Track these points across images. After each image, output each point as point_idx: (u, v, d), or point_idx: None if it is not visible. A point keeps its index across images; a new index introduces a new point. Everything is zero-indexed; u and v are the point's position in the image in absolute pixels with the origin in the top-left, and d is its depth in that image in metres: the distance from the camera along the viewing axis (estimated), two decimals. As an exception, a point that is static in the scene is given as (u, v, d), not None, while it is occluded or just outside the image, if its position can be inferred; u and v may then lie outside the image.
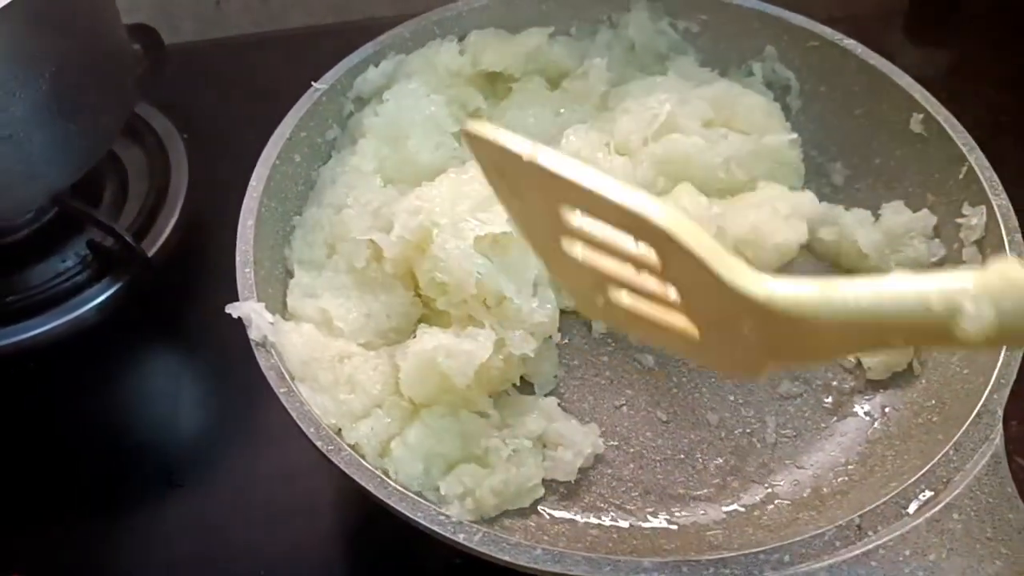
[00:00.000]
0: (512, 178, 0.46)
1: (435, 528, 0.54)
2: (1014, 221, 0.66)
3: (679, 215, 0.41)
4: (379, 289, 0.68)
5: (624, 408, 0.69)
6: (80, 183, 0.83)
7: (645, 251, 0.43)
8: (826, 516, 0.59)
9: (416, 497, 0.56)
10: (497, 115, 0.80)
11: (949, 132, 0.71)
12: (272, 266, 0.69)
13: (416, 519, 0.54)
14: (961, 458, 0.55)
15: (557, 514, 0.63)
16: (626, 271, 0.46)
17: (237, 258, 0.65)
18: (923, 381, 0.66)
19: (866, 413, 0.68)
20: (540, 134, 0.78)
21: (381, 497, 0.55)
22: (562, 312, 0.69)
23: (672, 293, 0.45)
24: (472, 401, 0.63)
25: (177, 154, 0.94)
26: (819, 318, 0.39)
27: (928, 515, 0.53)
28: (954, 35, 1.12)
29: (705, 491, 0.65)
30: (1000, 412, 0.57)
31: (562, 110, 0.80)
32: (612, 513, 0.64)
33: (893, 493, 0.54)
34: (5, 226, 0.85)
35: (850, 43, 0.78)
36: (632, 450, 0.67)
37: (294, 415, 0.58)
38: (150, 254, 0.84)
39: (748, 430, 0.68)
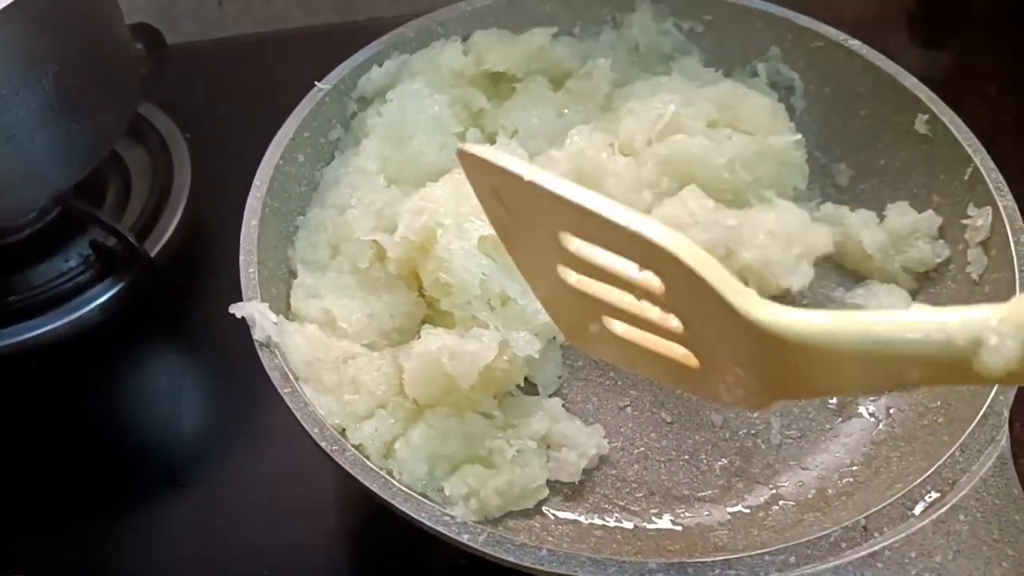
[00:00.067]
0: (510, 201, 0.44)
1: (440, 529, 0.54)
2: (1020, 222, 0.65)
3: (687, 240, 0.39)
4: (383, 290, 0.68)
5: (628, 409, 0.69)
6: (83, 183, 0.82)
7: (647, 278, 0.42)
8: (831, 517, 0.59)
9: (420, 498, 0.56)
10: (501, 115, 0.80)
11: (954, 133, 0.70)
12: (275, 266, 0.69)
13: (420, 520, 0.54)
14: (967, 460, 0.55)
15: (561, 515, 0.63)
16: (624, 299, 0.45)
17: (241, 258, 0.65)
18: (928, 382, 0.66)
19: (871, 414, 0.67)
20: (543, 134, 0.78)
21: (385, 497, 0.55)
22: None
23: (673, 322, 0.43)
24: (476, 402, 0.63)
25: (180, 154, 0.94)
26: (833, 348, 0.37)
27: (934, 517, 0.53)
28: (957, 36, 1.12)
29: (709, 492, 0.64)
30: (1006, 413, 0.57)
31: (566, 110, 0.80)
32: (616, 514, 0.63)
33: (899, 495, 0.54)
34: (8, 226, 0.85)
35: (855, 43, 0.78)
36: (636, 451, 0.67)
37: (298, 415, 0.58)
38: (153, 254, 0.84)
39: (753, 431, 0.67)
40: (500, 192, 0.44)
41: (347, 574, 0.70)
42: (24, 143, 0.73)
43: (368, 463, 0.57)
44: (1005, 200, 0.66)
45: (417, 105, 0.77)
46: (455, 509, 0.58)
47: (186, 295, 0.86)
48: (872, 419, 0.67)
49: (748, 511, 0.63)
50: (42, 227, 0.86)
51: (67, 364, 0.81)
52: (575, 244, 0.44)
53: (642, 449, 0.67)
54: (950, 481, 0.54)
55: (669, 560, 0.52)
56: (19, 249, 0.85)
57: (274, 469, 0.73)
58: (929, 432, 0.62)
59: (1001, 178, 0.67)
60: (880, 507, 0.54)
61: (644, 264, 0.42)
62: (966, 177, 0.69)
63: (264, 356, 0.60)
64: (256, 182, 0.69)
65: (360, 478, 0.55)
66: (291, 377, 0.60)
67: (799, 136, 0.76)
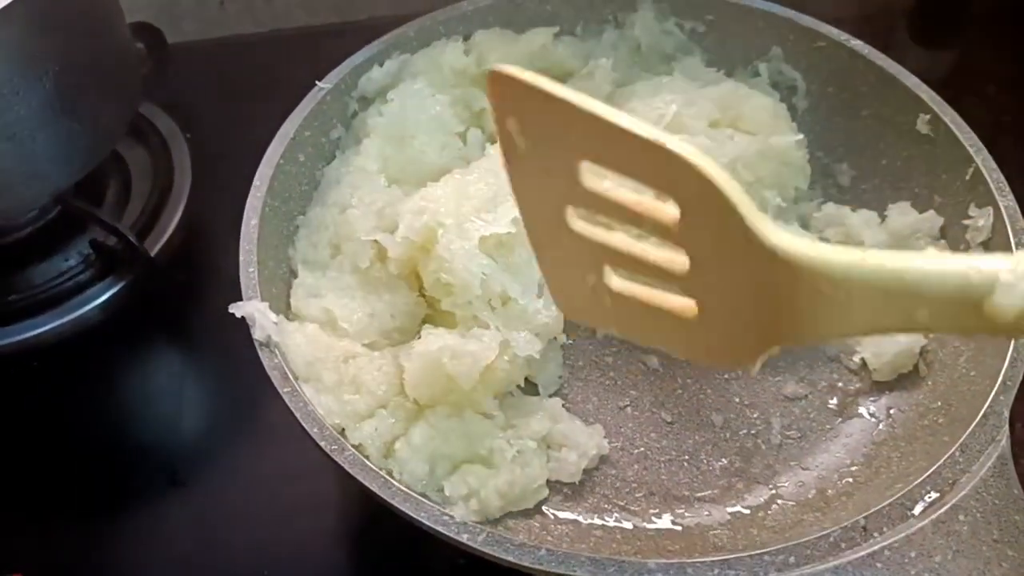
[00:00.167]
0: (533, 129, 0.44)
1: (439, 528, 0.54)
2: (1021, 222, 0.65)
3: (712, 161, 0.40)
4: (383, 289, 0.68)
5: (628, 409, 0.69)
6: (83, 182, 0.82)
7: (661, 207, 0.42)
8: (831, 517, 0.59)
9: (420, 498, 0.56)
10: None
11: (956, 133, 0.70)
12: (276, 266, 0.69)
13: (420, 519, 0.54)
14: (967, 460, 0.55)
15: (561, 515, 0.63)
16: (631, 245, 0.45)
17: (241, 258, 0.65)
18: (929, 383, 0.66)
19: (871, 415, 0.67)
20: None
21: (385, 497, 0.55)
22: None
23: (679, 261, 0.43)
24: (477, 402, 0.63)
25: (180, 153, 0.94)
26: (845, 278, 0.38)
27: (934, 517, 0.53)
28: (957, 36, 1.12)
29: (709, 492, 0.64)
30: (1006, 414, 0.57)
31: (567, 110, 0.80)
32: (616, 514, 0.63)
33: (899, 495, 0.54)
34: (8, 225, 0.85)
35: (857, 44, 0.78)
36: (636, 451, 0.67)
37: (298, 415, 0.57)
38: (153, 253, 0.84)
39: (753, 431, 0.67)
40: (523, 120, 0.44)
41: (347, 573, 0.70)
42: (25, 142, 0.73)
43: (368, 463, 0.57)
44: (1006, 200, 0.66)
45: (418, 105, 0.76)
46: (455, 509, 0.58)
47: (186, 294, 0.86)
48: (872, 419, 0.67)
49: (748, 511, 0.63)
50: (42, 226, 0.86)
51: (67, 363, 0.81)
52: (591, 178, 0.44)
53: (642, 449, 0.67)
54: (950, 481, 0.54)
55: (668, 560, 0.52)
56: (19, 248, 0.85)
57: (274, 468, 0.73)
58: (929, 432, 0.62)
59: (1002, 178, 0.67)
60: (880, 507, 0.54)
61: (664, 188, 0.42)
62: (967, 177, 0.69)
63: (264, 355, 0.60)
64: (256, 181, 0.69)
65: (359, 477, 0.55)
66: (291, 377, 0.59)
67: (801, 136, 0.76)
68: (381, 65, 0.79)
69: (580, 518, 0.63)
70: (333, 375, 0.63)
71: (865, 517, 0.53)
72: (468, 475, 0.60)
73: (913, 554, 0.52)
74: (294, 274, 0.70)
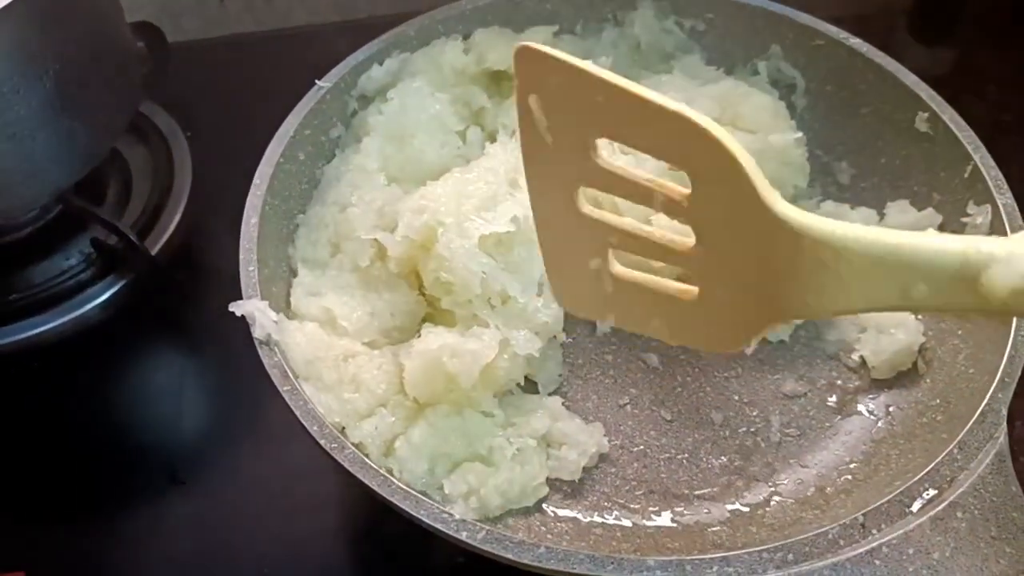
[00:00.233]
0: (553, 104, 0.45)
1: (439, 526, 0.54)
2: (1019, 220, 0.65)
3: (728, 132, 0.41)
4: (383, 288, 0.68)
5: (628, 407, 0.69)
6: (84, 181, 0.82)
7: (671, 186, 0.43)
8: (830, 515, 0.59)
9: (420, 496, 0.56)
10: (502, 114, 0.80)
11: (955, 131, 0.70)
12: (276, 264, 0.69)
13: (420, 517, 0.54)
14: (965, 457, 0.55)
15: (561, 513, 0.63)
16: (638, 227, 0.46)
17: (241, 256, 0.65)
18: (927, 380, 0.66)
19: (870, 412, 0.67)
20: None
21: (385, 496, 0.55)
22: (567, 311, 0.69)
23: (685, 240, 0.44)
24: (477, 400, 0.63)
25: (181, 152, 0.94)
26: (847, 251, 0.39)
27: (932, 514, 0.53)
28: (957, 34, 1.12)
29: (709, 490, 0.65)
30: (1004, 411, 0.57)
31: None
32: (616, 512, 0.64)
33: (897, 492, 0.54)
34: (8, 224, 0.85)
35: (856, 42, 0.78)
36: (636, 449, 0.67)
37: (298, 414, 0.58)
38: (153, 252, 0.84)
39: (752, 429, 0.68)
40: (545, 96, 0.45)
41: (347, 571, 0.70)
42: (25, 141, 0.73)
43: (368, 461, 0.57)
44: (1004, 198, 0.66)
45: (418, 104, 0.77)
46: (455, 507, 0.58)
47: (187, 293, 0.86)
48: (872, 417, 0.67)
49: (747, 509, 0.63)
50: (43, 225, 0.86)
51: (68, 362, 0.81)
52: (606, 156, 0.45)
53: (642, 447, 0.67)
54: (948, 478, 0.54)
55: (668, 558, 0.52)
56: (20, 247, 0.85)
57: (274, 467, 0.74)
58: (928, 430, 0.62)
59: (1001, 176, 0.67)
60: (878, 504, 0.54)
61: (679, 161, 0.43)
62: (966, 175, 0.69)
63: (264, 354, 0.60)
64: (256, 180, 0.69)
65: (360, 476, 0.55)
66: (291, 375, 0.60)
67: (800, 134, 0.76)
68: (381, 64, 0.79)
69: (580, 516, 0.63)
70: (333, 374, 0.63)
71: (864, 514, 0.53)
72: (468, 473, 0.60)
73: (911, 551, 0.52)
74: (294, 273, 0.71)
